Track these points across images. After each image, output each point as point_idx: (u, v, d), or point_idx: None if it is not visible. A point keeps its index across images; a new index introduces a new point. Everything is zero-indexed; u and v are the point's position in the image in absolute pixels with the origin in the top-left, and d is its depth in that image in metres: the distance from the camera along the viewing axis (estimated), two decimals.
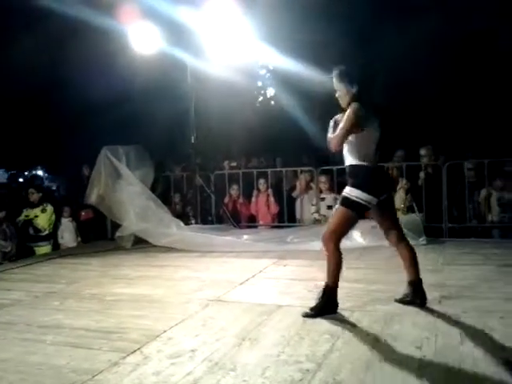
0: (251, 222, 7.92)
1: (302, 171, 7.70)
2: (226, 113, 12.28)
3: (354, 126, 3.34)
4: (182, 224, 7.13)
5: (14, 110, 14.97)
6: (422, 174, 6.81)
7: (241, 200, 7.87)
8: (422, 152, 6.97)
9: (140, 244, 6.93)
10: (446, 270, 4.78)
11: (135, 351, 2.92)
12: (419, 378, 2.42)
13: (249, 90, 14.30)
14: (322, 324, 3.26)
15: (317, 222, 7.30)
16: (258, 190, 7.74)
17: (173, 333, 3.24)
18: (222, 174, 8.16)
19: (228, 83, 9.75)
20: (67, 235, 7.94)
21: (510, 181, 6.62)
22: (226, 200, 7.93)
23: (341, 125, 3.38)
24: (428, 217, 6.51)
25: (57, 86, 13.89)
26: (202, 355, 2.82)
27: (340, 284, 4.26)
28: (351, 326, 3.20)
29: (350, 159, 3.49)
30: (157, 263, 5.80)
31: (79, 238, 8.10)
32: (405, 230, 3.83)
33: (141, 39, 7.52)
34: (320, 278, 4.56)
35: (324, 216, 7.25)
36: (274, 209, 7.71)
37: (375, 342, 2.90)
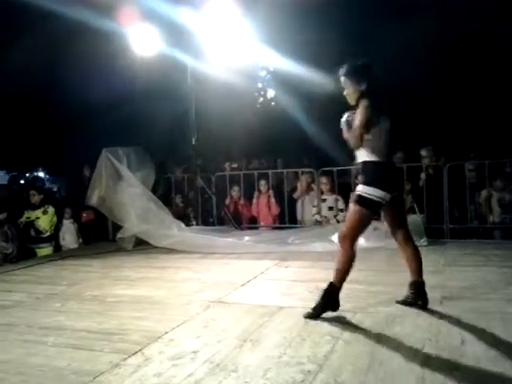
0: (252, 224, 7.92)
1: (302, 172, 7.71)
2: (226, 114, 12.28)
3: (369, 121, 3.34)
4: (183, 225, 7.13)
5: (15, 112, 14.99)
6: (422, 175, 6.81)
7: (242, 201, 7.88)
8: (423, 153, 6.97)
9: (141, 245, 6.93)
10: (448, 271, 4.78)
11: (136, 353, 2.92)
12: (421, 379, 2.42)
13: (249, 91, 14.31)
14: (324, 325, 3.26)
15: (318, 223, 7.30)
16: (259, 191, 7.74)
17: (174, 334, 3.24)
18: (223, 175, 8.16)
19: (228, 85, 9.76)
20: (68, 237, 7.95)
21: (511, 182, 6.62)
22: (227, 201, 7.93)
23: (356, 122, 3.36)
24: (429, 218, 6.50)
25: (58, 87, 13.91)
26: (204, 357, 2.82)
27: None
28: (352, 328, 3.19)
29: (361, 156, 3.49)
30: (158, 265, 5.80)
31: (80, 240, 8.10)
32: None
33: (141, 41, 7.54)
34: (321, 280, 4.57)
35: (325, 217, 7.26)
36: (275, 210, 7.71)
37: (376, 344, 2.90)
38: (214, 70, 8.07)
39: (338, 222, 7.06)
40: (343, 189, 7.29)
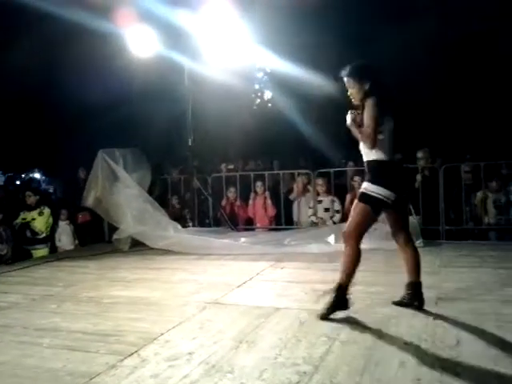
0: (248, 225, 7.93)
1: (299, 174, 7.72)
2: (223, 115, 12.31)
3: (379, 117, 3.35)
4: (179, 227, 7.13)
5: (11, 113, 14.96)
6: (418, 177, 6.82)
7: (238, 203, 7.88)
8: (419, 155, 6.99)
9: (137, 247, 6.92)
10: (443, 272, 4.79)
11: (132, 354, 2.92)
12: (416, 380, 2.43)
13: (246, 92, 14.33)
14: (319, 326, 3.27)
15: (314, 224, 7.31)
16: (256, 192, 7.75)
17: (170, 335, 3.23)
18: (220, 176, 8.17)
19: (225, 86, 9.78)
20: (64, 238, 7.93)
21: (506, 183, 6.65)
22: (224, 203, 7.93)
23: (367, 121, 3.35)
24: (425, 219, 6.53)
25: (54, 88, 13.90)
26: (200, 358, 2.82)
27: None
28: (348, 329, 3.20)
29: (367, 154, 3.49)
30: (154, 266, 5.79)
31: (76, 241, 8.08)
32: None
33: (138, 42, 7.53)
34: (317, 281, 4.60)
35: (321, 218, 7.27)
36: (272, 211, 7.72)
37: (372, 345, 2.91)
38: (211, 72, 8.09)
39: (335, 223, 7.08)
40: (339, 190, 7.31)
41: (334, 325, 3.28)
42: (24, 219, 7.50)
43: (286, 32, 10.86)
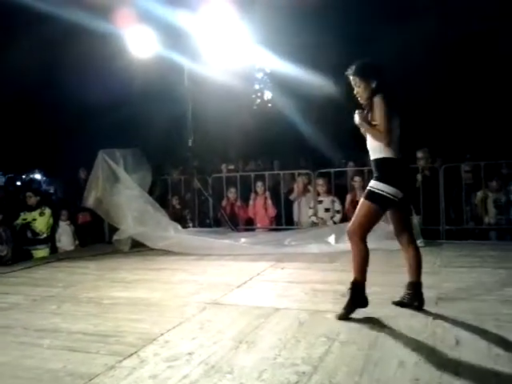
0: (249, 225, 7.93)
1: (299, 174, 7.72)
2: (223, 116, 12.31)
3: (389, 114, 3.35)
4: (179, 227, 7.13)
5: (12, 114, 14.97)
6: (419, 177, 6.82)
7: (238, 203, 7.88)
8: (419, 155, 6.99)
9: (137, 247, 6.93)
10: (443, 272, 4.79)
11: (132, 355, 2.92)
12: (415, 380, 2.43)
13: (246, 93, 14.33)
14: (319, 327, 3.27)
15: (314, 224, 7.31)
16: (256, 192, 7.75)
17: (170, 336, 3.24)
18: (220, 177, 8.17)
19: (225, 86, 9.78)
20: (65, 238, 7.94)
21: (507, 183, 6.64)
22: (224, 203, 7.94)
23: (379, 119, 3.35)
24: (425, 219, 6.53)
25: (54, 89, 13.91)
26: (199, 358, 2.83)
27: (335, 287, 4.30)
28: (347, 329, 3.20)
29: (375, 153, 3.49)
30: (154, 266, 5.80)
31: (77, 242, 8.09)
32: None
33: (138, 43, 7.54)
34: (317, 281, 4.60)
35: (322, 219, 7.27)
36: (272, 212, 7.72)
37: (371, 345, 2.91)
38: (211, 72, 8.09)
39: (335, 223, 7.08)
40: (340, 190, 7.31)
41: (333, 325, 3.29)
42: (25, 220, 7.51)
43: (285, 32, 10.86)
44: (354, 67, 3.53)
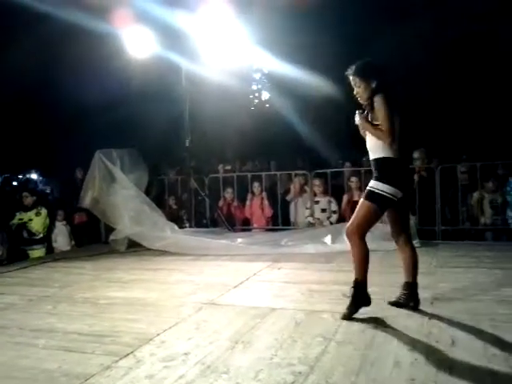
0: (245, 226, 7.93)
1: (296, 174, 7.72)
2: (220, 116, 12.31)
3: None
4: (176, 227, 7.12)
5: (8, 113, 14.93)
6: (415, 177, 6.83)
7: (235, 203, 7.88)
8: (415, 155, 7.00)
9: (134, 247, 6.92)
10: (439, 272, 4.80)
11: (128, 355, 2.92)
12: (410, 380, 2.43)
13: (243, 93, 14.33)
14: (315, 327, 3.27)
15: (311, 225, 7.32)
16: (253, 193, 7.75)
17: (166, 336, 3.23)
18: (217, 177, 8.17)
19: (222, 87, 9.78)
20: (61, 239, 7.92)
21: (503, 184, 6.66)
22: (221, 203, 7.94)
23: (382, 118, 3.34)
24: (421, 219, 6.54)
25: (51, 89, 13.88)
26: (195, 358, 2.82)
27: (332, 287, 4.31)
28: (344, 329, 3.20)
29: (375, 152, 3.49)
30: (151, 266, 5.79)
31: (73, 242, 8.08)
32: None
33: (135, 43, 7.53)
34: (314, 281, 4.60)
35: (318, 219, 7.27)
36: (269, 212, 7.72)
37: (367, 345, 2.91)
38: (208, 72, 8.08)
39: (332, 223, 7.08)
40: (336, 191, 7.32)
41: (329, 325, 3.29)
42: (21, 220, 7.50)
43: (283, 33, 10.87)
44: (354, 67, 3.52)
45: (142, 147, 8.27)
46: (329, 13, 11.79)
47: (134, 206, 7.06)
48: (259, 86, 16.86)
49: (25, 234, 7.50)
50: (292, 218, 7.65)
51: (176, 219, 7.68)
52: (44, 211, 7.64)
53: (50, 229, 7.80)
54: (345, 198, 7.15)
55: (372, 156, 3.53)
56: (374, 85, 3.43)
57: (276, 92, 14.63)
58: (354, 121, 3.59)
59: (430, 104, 11.66)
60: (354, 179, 7.04)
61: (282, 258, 5.81)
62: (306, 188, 7.56)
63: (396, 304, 3.60)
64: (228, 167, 9.12)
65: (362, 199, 3.51)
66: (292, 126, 12.16)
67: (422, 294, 3.61)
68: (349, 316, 3.38)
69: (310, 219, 7.35)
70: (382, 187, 3.38)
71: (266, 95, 16.87)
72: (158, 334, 3.25)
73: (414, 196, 6.58)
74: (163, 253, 6.56)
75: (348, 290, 3.47)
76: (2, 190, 12.18)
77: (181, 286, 4.67)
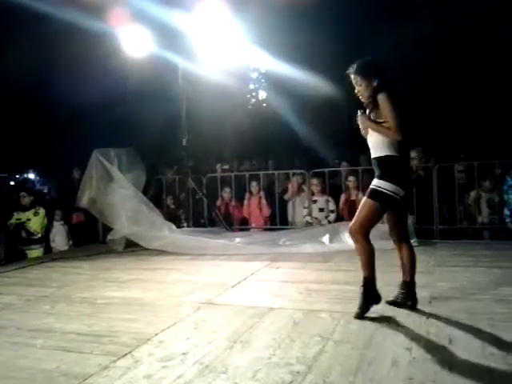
0: (243, 225, 7.93)
1: (294, 174, 7.72)
2: (217, 115, 12.30)
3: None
4: (174, 227, 7.12)
5: (5, 113, 14.89)
6: (412, 176, 6.83)
7: (233, 203, 7.88)
8: (413, 154, 6.98)
9: (132, 247, 6.91)
10: (437, 271, 4.81)
11: (126, 355, 2.91)
12: (409, 379, 2.44)
13: (240, 92, 14.33)
14: (313, 326, 3.27)
15: (309, 224, 7.32)
16: (250, 192, 7.75)
17: (164, 336, 3.23)
18: (214, 176, 8.16)
19: (220, 86, 9.77)
20: (58, 238, 7.91)
21: (500, 183, 6.67)
22: (219, 203, 7.93)
23: (389, 115, 3.33)
24: (419, 219, 6.55)
25: (48, 88, 13.85)
26: (194, 358, 2.82)
27: (330, 287, 4.32)
28: (341, 329, 3.21)
29: (377, 151, 3.49)
30: (148, 266, 5.79)
31: (71, 242, 8.07)
32: None
33: (132, 42, 7.52)
34: (312, 281, 4.61)
35: (316, 218, 7.28)
36: (266, 211, 7.72)
37: (365, 344, 2.92)
38: (205, 71, 8.08)
39: (329, 222, 7.09)
40: (334, 190, 7.33)
41: (327, 325, 3.29)
42: (19, 220, 7.48)
43: (280, 32, 10.86)
44: (355, 66, 3.51)
45: (140, 146, 8.26)
46: (326, 12, 11.79)
47: (131, 206, 7.06)
48: (256, 86, 16.85)
49: (23, 234, 7.48)
50: (290, 218, 7.65)
51: (174, 219, 7.67)
52: (42, 211, 7.63)
53: (47, 229, 7.79)
54: (342, 197, 7.16)
55: (374, 154, 3.52)
56: (375, 83, 3.43)
57: (273, 91, 14.62)
58: (355, 120, 3.58)
59: (428, 103, 11.66)
60: (351, 178, 7.05)
61: (280, 258, 5.82)
62: (304, 187, 7.56)
63: (394, 303, 3.61)
64: (226, 167, 9.11)
65: (364, 198, 3.51)
66: (289, 125, 12.16)
67: (420, 293, 3.62)
68: (361, 315, 3.37)
69: (308, 218, 7.35)
70: (385, 185, 3.38)
71: (263, 94, 16.86)
72: (156, 334, 3.25)
73: (411, 195, 6.59)
74: (161, 252, 6.55)
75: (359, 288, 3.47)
76: None
77: (179, 286, 4.67)
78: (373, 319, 3.35)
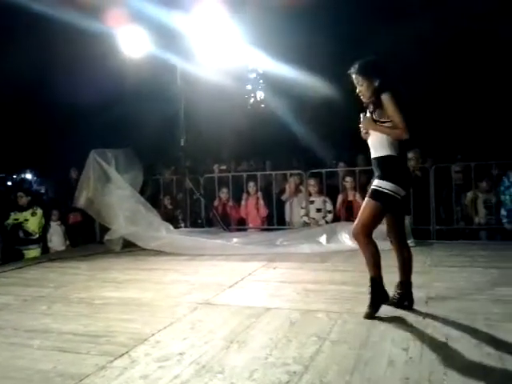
0: (241, 225, 7.93)
1: (291, 174, 7.73)
2: (215, 116, 12.29)
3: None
4: (171, 227, 7.12)
5: (3, 113, 14.86)
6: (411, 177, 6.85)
7: (230, 203, 7.89)
8: (410, 155, 6.98)
9: (129, 247, 6.90)
10: (434, 271, 4.82)
11: (123, 355, 2.91)
12: (405, 380, 2.44)
13: (239, 93, 14.33)
14: (310, 326, 3.28)
15: (306, 224, 7.33)
16: (248, 193, 7.75)
17: (161, 336, 3.23)
18: (212, 177, 8.17)
19: (218, 86, 9.77)
20: (56, 239, 7.91)
21: (497, 184, 6.69)
22: (216, 203, 7.94)
23: (395, 115, 3.31)
24: (416, 219, 6.55)
25: (46, 88, 13.83)
26: (190, 358, 2.82)
27: (327, 287, 4.32)
28: (338, 329, 3.21)
29: (377, 151, 3.49)
30: (146, 266, 5.79)
31: (68, 242, 8.07)
32: None
33: (130, 42, 7.52)
34: (309, 281, 4.61)
35: (313, 219, 7.29)
36: (264, 212, 7.73)
37: (362, 344, 2.92)
38: (203, 72, 8.08)
39: (327, 223, 7.10)
40: (331, 190, 7.34)
41: (324, 325, 3.29)
42: (16, 220, 7.48)
43: (278, 33, 10.87)
44: (356, 65, 3.51)
45: (137, 147, 8.25)
46: (324, 12, 11.80)
47: (129, 206, 7.06)
48: (254, 86, 16.85)
49: (21, 234, 7.48)
50: (287, 218, 7.66)
51: (171, 219, 7.67)
52: (39, 211, 7.63)
53: (45, 229, 7.79)
54: (340, 197, 7.17)
55: (374, 154, 3.52)
56: (376, 83, 3.43)
57: (271, 92, 14.63)
58: (356, 121, 3.58)
59: (425, 104, 11.68)
60: (348, 179, 7.06)
61: (278, 258, 5.82)
62: (301, 188, 7.57)
63: (390, 303, 3.61)
64: (223, 167, 9.12)
65: (366, 198, 3.51)
66: (287, 125, 12.16)
67: (417, 293, 3.63)
68: (371, 315, 3.37)
69: (305, 219, 7.36)
70: (387, 185, 3.38)
71: (261, 95, 16.87)
72: (153, 334, 3.25)
73: (409, 196, 6.61)
74: (158, 253, 6.55)
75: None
76: None
77: (176, 286, 4.67)
78: (370, 319, 3.35)
